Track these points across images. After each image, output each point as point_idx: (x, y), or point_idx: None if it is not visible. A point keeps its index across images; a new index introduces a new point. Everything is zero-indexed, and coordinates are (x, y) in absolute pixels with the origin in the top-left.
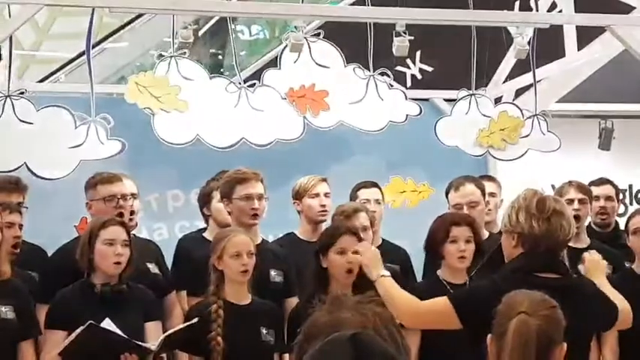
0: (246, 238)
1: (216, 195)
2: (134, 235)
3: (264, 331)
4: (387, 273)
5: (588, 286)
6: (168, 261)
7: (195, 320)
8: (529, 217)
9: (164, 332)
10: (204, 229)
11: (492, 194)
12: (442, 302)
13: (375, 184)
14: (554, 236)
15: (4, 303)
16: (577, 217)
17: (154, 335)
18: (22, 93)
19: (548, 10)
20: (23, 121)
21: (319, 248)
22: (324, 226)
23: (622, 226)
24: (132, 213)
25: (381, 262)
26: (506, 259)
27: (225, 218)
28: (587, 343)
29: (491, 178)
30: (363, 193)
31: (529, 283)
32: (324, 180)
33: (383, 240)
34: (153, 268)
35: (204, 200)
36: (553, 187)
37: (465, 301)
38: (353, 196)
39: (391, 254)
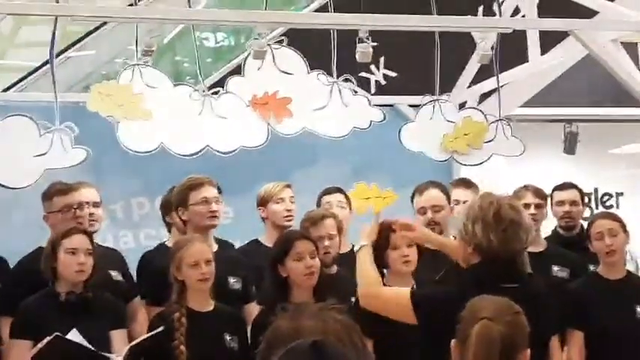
0: (203, 246)
1: None
2: (97, 243)
3: (227, 337)
4: (366, 242)
5: (540, 287)
6: (134, 269)
7: (160, 329)
8: (486, 228)
9: (129, 340)
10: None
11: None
12: (403, 295)
13: (338, 189)
14: (511, 247)
15: None
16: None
17: (119, 343)
18: None
19: (512, 15)
20: None
21: (275, 258)
22: None
23: None
24: (93, 220)
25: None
26: (462, 263)
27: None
28: (547, 345)
29: (468, 185)
30: (326, 199)
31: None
32: (289, 186)
33: (353, 246)
34: (116, 275)
35: (167, 208)
36: None
37: (425, 299)
38: (318, 202)
39: None
